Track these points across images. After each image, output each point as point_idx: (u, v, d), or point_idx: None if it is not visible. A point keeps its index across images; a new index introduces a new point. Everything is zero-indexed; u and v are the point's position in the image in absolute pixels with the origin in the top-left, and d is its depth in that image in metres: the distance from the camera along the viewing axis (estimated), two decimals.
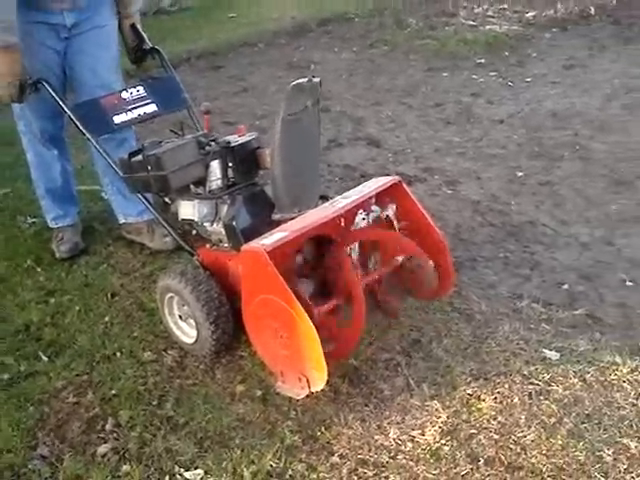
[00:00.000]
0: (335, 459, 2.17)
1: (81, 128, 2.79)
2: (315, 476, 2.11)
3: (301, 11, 9.09)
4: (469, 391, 2.39)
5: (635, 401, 2.32)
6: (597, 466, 2.08)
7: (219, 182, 2.65)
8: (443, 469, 2.10)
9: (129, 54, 3.32)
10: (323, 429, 2.27)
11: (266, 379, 2.48)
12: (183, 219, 2.75)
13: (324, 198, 2.65)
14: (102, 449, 2.26)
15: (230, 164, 2.65)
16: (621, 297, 2.96)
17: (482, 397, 2.36)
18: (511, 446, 2.17)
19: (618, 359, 2.51)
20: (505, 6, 8.31)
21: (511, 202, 3.82)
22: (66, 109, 2.81)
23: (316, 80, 2.38)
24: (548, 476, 2.05)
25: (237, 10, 9.53)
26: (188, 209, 2.71)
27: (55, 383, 2.58)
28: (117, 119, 2.90)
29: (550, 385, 2.40)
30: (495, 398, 2.35)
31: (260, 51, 7.63)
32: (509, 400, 2.34)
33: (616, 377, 2.42)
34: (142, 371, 2.62)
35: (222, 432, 2.30)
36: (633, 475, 2.04)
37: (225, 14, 9.38)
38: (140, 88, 3.01)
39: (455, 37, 7.34)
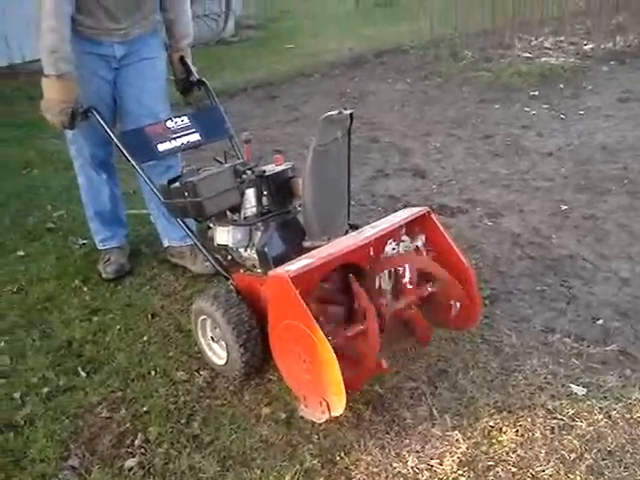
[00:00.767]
0: None
1: (126, 155, 2.90)
2: None
3: (359, 43, 9.23)
4: (491, 423, 2.39)
5: None
6: None
7: (254, 209, 2.74)
8: None
9: (177, 84, 3.46)
10: (343, 454, 2.31)
11: (291, 403, 2.53)
12: (219, 244, 2.86)
13: (354, 227, 2.71)
14: (129, 463, 2.35)
15: (265, 192, 2.74)
16: None
17: (504, 429, 2.36)
18: None
19: None
20: (562, 38, 8.28)
21: (552, 235, 3.81)
22: (113, 136, 2.93)
23: (346, 112, 2.45)
24: None
25: (296, 41, 9.74)
26: (223, 235, 2.82)
27: (91, 398, 2.69)
28: (161, 147, 3.01)
29: (574, 420, 2.39)
30: (517, 431, 2.35)
31: (315, 81, 7.77)
32: (530, 434, 2.34)
33: None
34: (174, 390, 2.70)
35: (245, 452, 2.36)
36: None
37: (284, 45, 9.59)
38: (185, 118, 3.12)
39: (510, 69, 7.35)
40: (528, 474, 2.18)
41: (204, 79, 3.37)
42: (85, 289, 3.50)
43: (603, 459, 2.22)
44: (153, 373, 2.81)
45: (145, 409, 2.60)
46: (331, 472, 2.25)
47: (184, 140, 3.08)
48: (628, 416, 2.40)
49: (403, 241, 2.62)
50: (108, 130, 2.95)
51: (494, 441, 2.32)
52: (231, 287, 2.75)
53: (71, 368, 2.88)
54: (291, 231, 2.72)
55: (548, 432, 2.34)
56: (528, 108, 6.30)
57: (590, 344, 2.83)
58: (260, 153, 2.93)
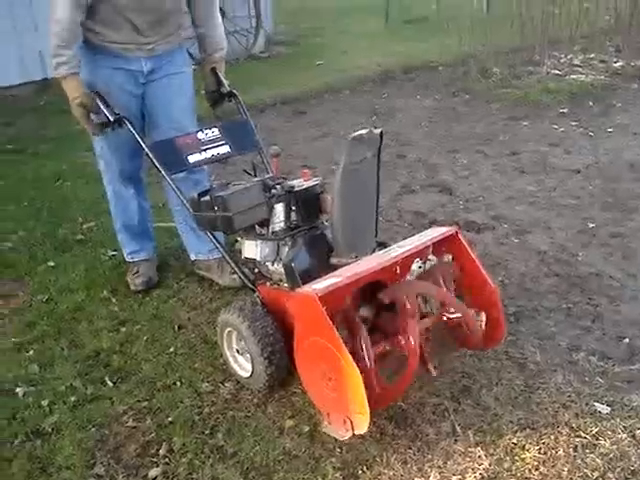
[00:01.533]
0: None
1: (157, 165, 2.96)
2: None
3: (388, 59, 9.27)
4: (514, 440, 2.39)
5: None
6: None
7: (282, 224, 2.77)
8: None
9: (207, 97, 3.50)
10: (365, 468, 2.32)
11: (315, 416, 2.55)
12: (246, 257, 2.89)
13: (382, 245, 2.72)
14: (153, 472, 2.38)
15: (293, 207, 2.77)
16: None
17: (527, 447, 2.36)
18: None
19: None
20: (592, 55, 8.25)
21: (579, 253, 3.79)
22: (144, 146, 2.99)
23: (376, 132, 2.47)
24: None
25: (325, 58, 9.80)
26: (251, 248, 2.85)
27: (117, 407, 2.73)
28: (191, 158, 3.05)
29: (597, 439, 2.38)
30: (540, 449, 2.35)
31: (344, 97, 7.81)
32: (554, 451, 2.33)
33: None
34: (199, 401, 2.73)
35: (268, 464, 2.38)
36: None
37: (313, 61, 9.66)
38: (215, 130, 3.15)
39: (538, 86, 7.34)
40: None
41: (235, 91, 3.40)
42: (113, 300, 3.55)
43: (626, 478, 2.21)
44: (179, 384, 2.85)
45: (170, 419, 2.63)
46: None
47: (214, 152, 3.11)
48: None
49: (430, 260, 2.63)
50: (140, 140, 3.00)
51: (517, 458, 2.31)
52: (257, 300, 2.78)
53: (98, 377, 2.92)
54: (318, 247, 2.74)
55: (571, 450, 2.34)
56: (556, 125, 6.28)
57: (615, 363, 2.82)
58: (288, 168, 2.95)
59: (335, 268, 2.54)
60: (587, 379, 2.71)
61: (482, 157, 5.55)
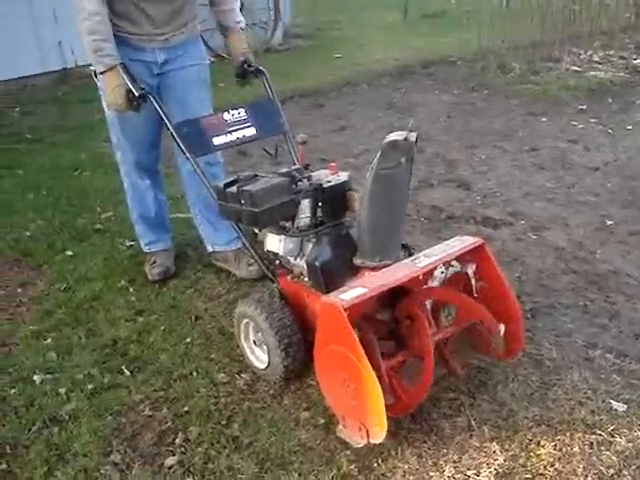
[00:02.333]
0: None
1: (181, 146, 2.89)
2: None
3: (406, 53, 9.24)
4: (529, 436, 2.39)
5: None
6: None
7: (307, 220, 2.71)
8: None
9: (236, 70, 3.41)
10: (380, 461, 2.33)
11: (330, 408, 2.55)
12: (268, 250, 2.86)
13: (405, 248, 2.69)
14: (169, 461, 2.40)
15: (320, 204, 2.71)
16: None
17: (542, 443, 2.36)
18: None
19: None
20: (612, 52, 8.19)
21: (597, 250, 3.78)
22: (169, 125, 2.92)
23: (412, 138, 2.38)
24: None
25: (343, 51, 9.78)
26: (274, 242, 2.81)
27: (134, 396, 2.75)
28: (216, 140, 2.98)
29: (613, 436, 2.37)
30: (555, 445, 2.34)
31: (362, 91, 7.79)
32: (569, 448, 2.33)
33: None
34: (215, 391, 2.75)
35: (283, 455, 2.40)
36: None
37: (331, 55, 9.63)
38: (242, 110, 3.06)
39: (558, 82, 7.29)
40: None
41: (262, 68, 3.33)
42: (131, 290, 3.58)
43: None
44: (195, 374, 2.86)
45: (186, 409, 2.65)
46: (367, 478, 2.27)
47: (240, 134, 3.03)
48: None
49: (452, 266, 2.58)
50: (165, 116, 2.94)
51: (532, 454, 2.31)
52: (275, 292, 2.78)
53: (115, 366, 2.95)
54: (343, 246, 2.67)
55: (587, 447, 2.33)
56: (575, 122, 6.24)
57: (632, 360, 2.81)
58: (308, 161, 2.94)
59: (358, 269, 2.56)
60: (603, 376, 2.70)
61: (500, 153, 5.52)
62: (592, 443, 2.35)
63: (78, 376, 2.89)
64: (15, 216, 4.61)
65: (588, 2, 8.22)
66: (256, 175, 2.74)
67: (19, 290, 3.68)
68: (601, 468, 2.24)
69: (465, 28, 8.54)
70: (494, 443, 2.37)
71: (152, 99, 2.96)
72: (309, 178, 2.72)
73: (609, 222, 4.14)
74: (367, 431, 2.20)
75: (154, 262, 3.69)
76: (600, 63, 7.95)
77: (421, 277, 2.45)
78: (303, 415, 2.58)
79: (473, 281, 2.55)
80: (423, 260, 2.41)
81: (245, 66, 3.36)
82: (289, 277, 2.83)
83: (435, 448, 2.37)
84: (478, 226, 4.10)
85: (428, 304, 2.52)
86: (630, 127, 6.02)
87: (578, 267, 3.60)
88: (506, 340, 2.48)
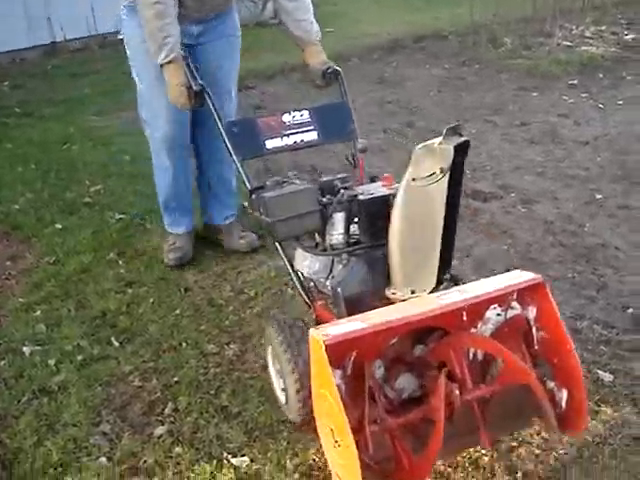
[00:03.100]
0: None
1: (229, 147, 2.62)
2: None
3: (398, 28, 9.19)
4: None
5: None
6: None
7: (339, 237, 2.35)
8: (480, 479, 2.14)
9: (316, 78, 3.04)
10: None
11: None
12: (297, 269, 2.56)
13: (454, 280, 2.26)
14: (159, 431, 2.42)
15: (355, 219, 2.35)
16: None
17: None
18: (551, 462, 2.18)
19: None
20: (603, 27, 8.15)
21: (586, 224, 3.79)
22: (220, 124, 2.66)
23: (452, 144, 1.97)
24: None
25: (335, 25, 9.69)
26: (301, 260, 2.53)
27: (123, 367, 2.76)
28: (270, 143, 2.68)
29: (599, 406, 2.39)
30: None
31: (353, 65, 7.73)
32: None
33: None
34: (204, 362, 2.77)
35: (272, 424, 2.41)
36: None
37: (323, 29, 9.52)
38: (305, 112, 2.74)
39: (549, 57, 7.26)
40: (551, 456, 2.20)
41: (339, 68, 2.99)
42: (120, 262, 3.58)
43: (627, 445, 2.23)
44: (184, 345, 2.88)
45: (175, 379, 2.67)
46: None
47: (298, 138, 2.72)
48: None
49: (512, 308, 2.07)
50: (217, 116, 2.70)
51: None
52: (300, 325, 2.36)
53: (105, 338, 2.96)
54: (377, 271, 2.27)
55: None
56: (566, 97, 6.23)
57: (619, 332, 2.83)
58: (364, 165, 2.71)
59: (389, 302, 2.17)
60: (590, 347, 2.72)
61: (491, 127, 5.52)
62: None
63: (67, 347, 2.90)
64: (4, 189, 4.60)
65: None
66: (285, 181, 2.47)
67: (8, 263, 3.67)
68: (587, 437, 2.26)
69: (457, 3, 8.50)
70: None
71: (207, 95, 2.76)
72: (349, 189, 2.39)
73: (598, 196, 4.15)
74: None
75: (173, 244, 3.56)
76: (591, 38, 7.91)
77: (465, 318, 2.00)
78: None
79: (534, 330, 2.06)
80: (453, 295, 1.97)
81: (327, 74, 2.98)
82: (320, 303, 2.50)
83: None
84: (467, 199, 4.09)
85: (471, 354, 2.07)
86: (621, 102, 6.01)
87: (567, 240, 3.62)
88: (568, 409, 2.01)
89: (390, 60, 7.85)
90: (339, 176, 2.52)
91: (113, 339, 2.94)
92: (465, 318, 1.99)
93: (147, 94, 3.26)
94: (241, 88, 3.30)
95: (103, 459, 2.31)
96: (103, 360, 2.81)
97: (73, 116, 6.08)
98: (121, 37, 2.96)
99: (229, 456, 2.28)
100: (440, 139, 1.97)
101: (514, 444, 2.24)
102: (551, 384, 2.02)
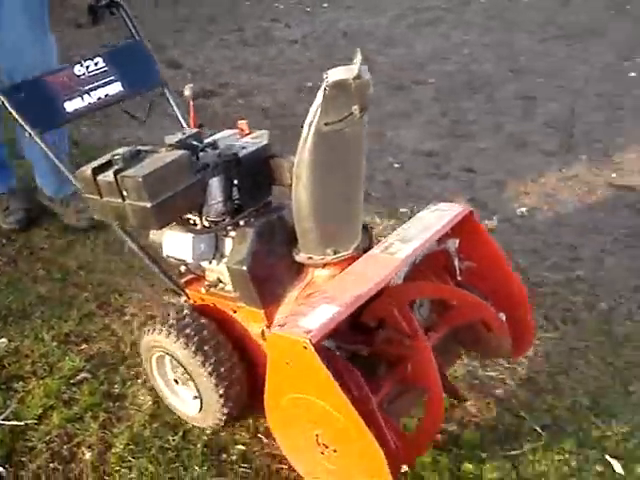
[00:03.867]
0: (127, 317, 2.50)
1: (20, 121, 2.08)
2: (109, 332, 2.43)
3: None
4: None
5: None
6: None
7: (220, 207, 1.91)
8: None
9: (88, 12, 2.45)
10: (117, 296, 2.59)
11: (64, 263, 2.77)
12: (168, 256, 2.01)
13: (365, 230, 1.93)
14: None
15: (235, 181, 1.92)
16: (387, 176, 3.44)
17: None
18: None
19: (377, 220, 2.98)
20: None
21: (296, 107, 4.23)
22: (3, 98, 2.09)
23: (366, 73, 1.57)
24: None
25: None
26: (176, 244, 1.96)
27: None
28: (69, 106, 2.19)
29: None
30: None
31: None
32: None
33: None
34: None
35: (24, 309, 2.58)
36: None
37: None
38: (99, 60, 2.28)
39: None
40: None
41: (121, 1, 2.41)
42: None
43: None
44: None
45: None
46: (107, 311, 2.53)
47: (101, 93, 2.26)
48: None
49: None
50: None
51: None
52: (192, 310, 2.02)
53: None
54: (276, 237, 1.92)
55: None
56: (277, 4, 6.64)
57: None
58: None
59: (302, 267, 1.89)
60: None
61: (207, 35, 5.78)
62: None
63: None
64: None
65: None
66: (139, 151, 1.84)
67: None
68: None
69: None
70: None
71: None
72: (214, 146, 1.95)
73: (308, 84, 4.59)
74: None
75: (7, 208, 3.09)
76: None
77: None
78: (40, 273, 2.76)
79: (456, 261, 1.85)
80: (400, 247, 1.74)
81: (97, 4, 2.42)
82: (203, 289, 2.02)
83: None
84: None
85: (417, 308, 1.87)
86: (326, 5, 6.52)
87: (282, 122, 4.00)
88: (511, 333, 1.88)
89: None
90: (187, 132, 1.93)
91: None
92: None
93: None
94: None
95: None
96: None
97: None
98: None
99: None
100: (352, 72, 1.54)
101: None
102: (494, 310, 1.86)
